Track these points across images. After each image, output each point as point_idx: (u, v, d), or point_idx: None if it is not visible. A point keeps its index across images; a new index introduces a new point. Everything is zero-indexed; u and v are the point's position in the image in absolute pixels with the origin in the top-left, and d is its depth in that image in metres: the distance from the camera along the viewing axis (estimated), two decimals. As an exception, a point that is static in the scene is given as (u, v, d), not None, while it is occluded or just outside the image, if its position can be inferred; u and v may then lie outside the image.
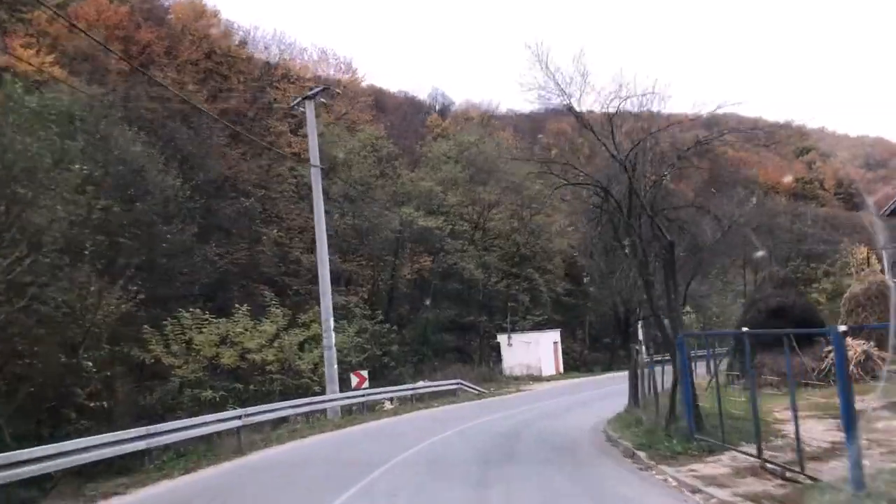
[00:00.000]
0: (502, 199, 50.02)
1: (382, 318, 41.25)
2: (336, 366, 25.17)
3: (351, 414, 25.54)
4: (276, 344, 29.79)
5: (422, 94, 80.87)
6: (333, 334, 25.22)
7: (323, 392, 26.93)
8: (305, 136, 46.55)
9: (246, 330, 28.91)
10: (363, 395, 25.98)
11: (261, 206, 44.84)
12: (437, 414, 25.83)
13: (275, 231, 43.66)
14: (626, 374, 47.39)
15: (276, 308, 30.21)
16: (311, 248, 44.53)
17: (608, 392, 31.86)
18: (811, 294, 73.15)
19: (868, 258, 79.73)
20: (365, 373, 27.46)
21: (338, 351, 35.13)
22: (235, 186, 45.93)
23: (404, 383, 35.27)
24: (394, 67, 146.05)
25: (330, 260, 45.67)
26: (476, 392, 33.87)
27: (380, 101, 67.94)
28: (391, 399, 31.67)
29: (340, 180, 43.73)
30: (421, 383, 35.22)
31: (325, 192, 45.61)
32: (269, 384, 29.46)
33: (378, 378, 39.71)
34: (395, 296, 49.63)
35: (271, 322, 29.01)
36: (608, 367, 52.54)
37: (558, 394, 31.60)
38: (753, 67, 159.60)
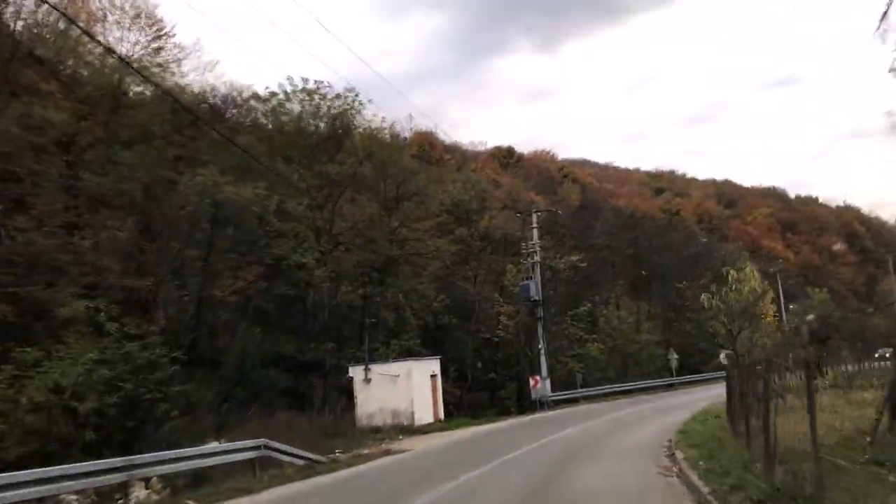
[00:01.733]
0: (360, 176, 34.94)
1: (163, 341, 24.50)
2: None
3: None
4: None
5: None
6: None
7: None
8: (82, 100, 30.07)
9: None
10: None
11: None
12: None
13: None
14: (530, 419, 32.72)
15: None
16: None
17: (551, 452, 17.00)
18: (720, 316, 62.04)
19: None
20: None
21: (52, 392, 18.82)
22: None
23: (183, 445, 18.87)
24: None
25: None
26: (302, 462, 17.68)
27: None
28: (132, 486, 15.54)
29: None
30: (214, 444, 19.12)
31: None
32: None
33: (140, 440, 23.01)
34: (205, 320, 32.82)
35: None
36: (502, 411, 37.69)
37: (460, 460, 16.00)
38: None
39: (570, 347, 43.24)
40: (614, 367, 48.13)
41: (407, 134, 78.14)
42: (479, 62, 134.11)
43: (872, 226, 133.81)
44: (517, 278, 41.05)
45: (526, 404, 39.13)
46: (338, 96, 34.03)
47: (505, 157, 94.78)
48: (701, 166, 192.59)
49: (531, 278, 37.01)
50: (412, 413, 28.47)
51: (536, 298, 36.81)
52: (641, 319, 52.71)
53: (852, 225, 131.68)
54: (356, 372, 29.65)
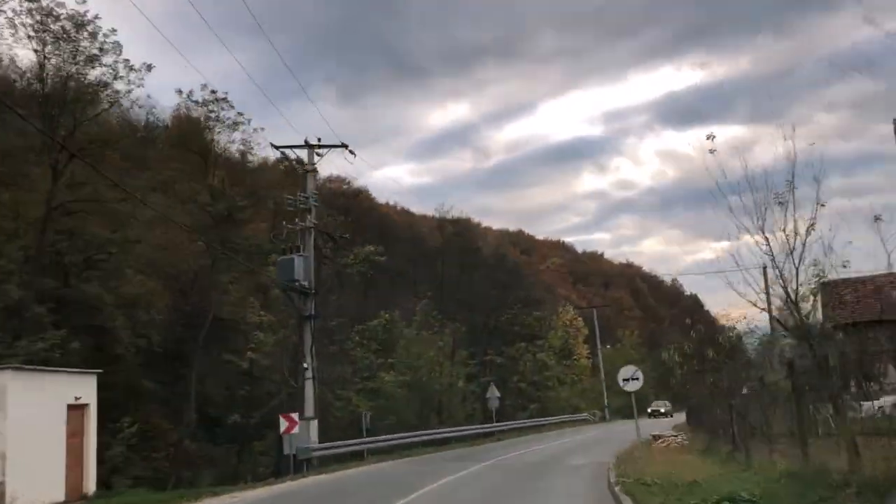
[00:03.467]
0: None
1: None
2: None
3: None
4: None
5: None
6: None
7: None
8: None
9: None
10: None
11: None
12: None
13: None
14: (280, 491, 15.69)
15: None
16: None
17: None
18: (536, 352, 50.33)
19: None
20: None
21: None
22: None
23: None
24: None
25: None
26: None
27: None
28: None
29: None
30: None
31: None
32: None
33: None
34: None
35: None
36: (253, 474, 22.51)
37: None
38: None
39: (356, 376, 28.81)
40: (414, 410, 34.28)
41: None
42: (279, 107, 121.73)
43: (652, 283, 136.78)
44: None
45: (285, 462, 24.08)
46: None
47: (294, 169, 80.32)
48: (495, 220, 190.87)
49: (299, 250, 22.13)
50: (1, 485, 12.53)
51: (305, 285, 21.92)
52: (447, 350, 39.12)
53: (635, 281, 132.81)
54: None
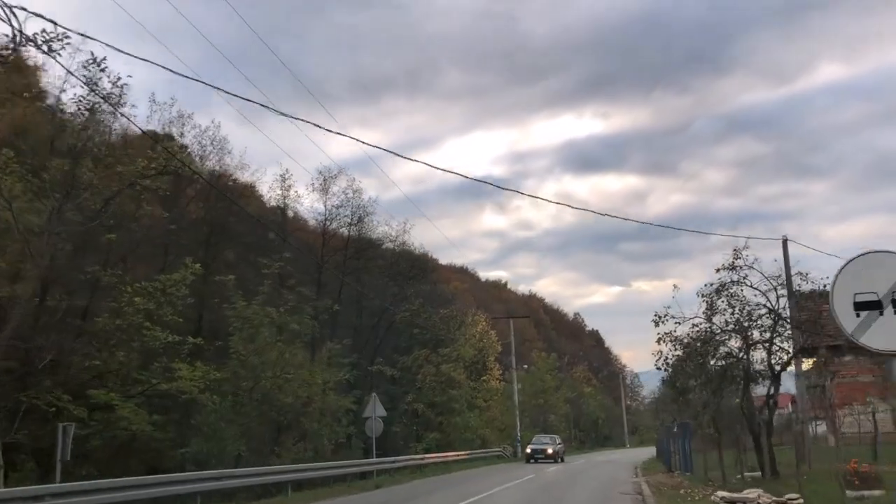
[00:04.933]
0: None
1: None
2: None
3: None
4: None
5: None
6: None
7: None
8: None
9: None
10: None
11: None
12: None
13: None
14: None
15: None
16: None
17: None
18: (443, 365, 37.89)
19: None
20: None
21: None
22: None
23: None
24: None
25: None
26: None
27: None
28: None
29: None
30: None
31: None
32: None
33: None
34: None
35: None
36: None
37: None
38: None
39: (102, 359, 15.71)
40: (257, 433, 21.21)
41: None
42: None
43: (555, 316, 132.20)
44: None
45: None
46: None
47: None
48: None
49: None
50: None
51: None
52: (310, 340, 25.92)
53: (538, 313, 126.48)
54: None
